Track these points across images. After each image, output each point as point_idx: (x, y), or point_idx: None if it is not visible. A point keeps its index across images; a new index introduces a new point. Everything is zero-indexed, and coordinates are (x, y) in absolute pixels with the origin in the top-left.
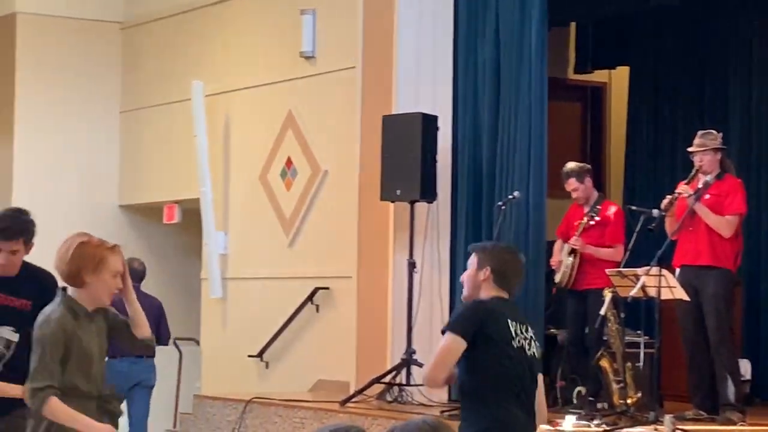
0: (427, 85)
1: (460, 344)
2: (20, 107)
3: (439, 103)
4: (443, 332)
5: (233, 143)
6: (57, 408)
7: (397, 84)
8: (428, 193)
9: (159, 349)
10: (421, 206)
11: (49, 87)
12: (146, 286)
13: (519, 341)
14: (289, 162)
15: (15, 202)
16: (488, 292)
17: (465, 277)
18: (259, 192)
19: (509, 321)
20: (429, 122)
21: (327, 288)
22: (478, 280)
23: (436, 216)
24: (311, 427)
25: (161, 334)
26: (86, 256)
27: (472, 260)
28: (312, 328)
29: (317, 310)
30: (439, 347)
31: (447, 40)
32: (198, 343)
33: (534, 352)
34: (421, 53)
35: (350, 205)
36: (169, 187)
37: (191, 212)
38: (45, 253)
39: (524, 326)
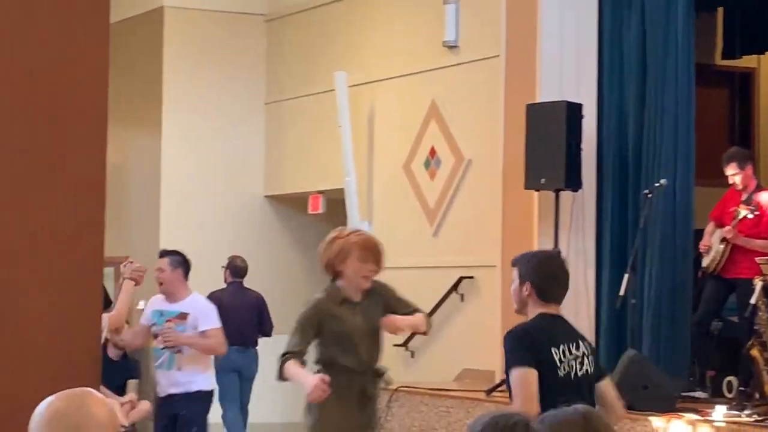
0: (571, 73)
1: (532, 373)
2: (167, 99)
3: (584, 91)
4: (507, 371)
5: (377, 133)
6: (287, 369)
7: (540, 72)
8: (573, 182)
9: None
10: (566, 195)
11: (195, 80)
12: (291, 276)
13: (565, 367)
14: (432, 151)
15: (163, 195)
16: (534, 308)
17: (511, 292)
18: (402, 181)
19: (552, 348)
20: (573, 110)
21: (471, 277)
22: (523, 296)
23: (581, 205)
24: (457, 416)
25: (264, 326)
26: (334, 249)
27: (514, 274)
28: (457, 317)
29: (462, 299)
30: (516, 385)
31: (591, 27)
32: None
33: (587, 370)
34: (565, 40)
35: (494, 194)
36: (313, 177)
37: (335, 202)
38: (193, 242)
39: (574, 343)
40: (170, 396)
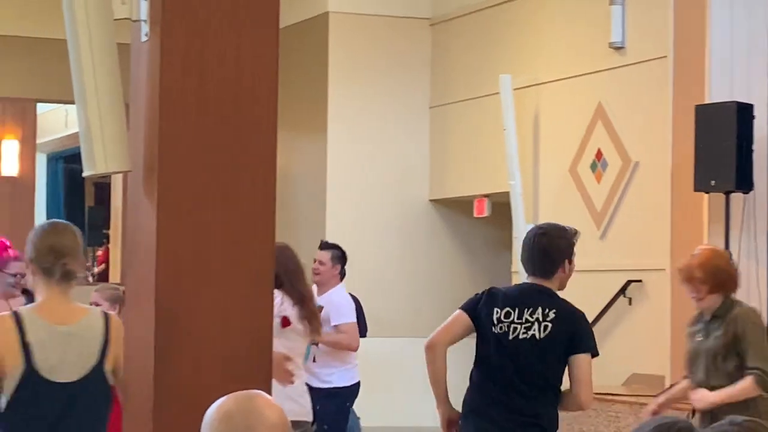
0: (741, 74)
1: (462, 315)
2: (332, 104)
3: (755, 92)
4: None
5: (542, 136)
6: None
7: (709, 72)
8: (744, 184)
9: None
10: (736, 197)
11: (360, 84)
12: (455, 280)
13: (503, 327)
14: (599, 154)
15: (329, 198)
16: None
17: None
18: (569, 184)
19: (495, 308)
20: (744, 111)
21: (639, 281)
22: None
23: (753, 207)
24: (626, 421)
25: (361, 327)
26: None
27: None
28: (625, 321)
29: (630, 302)
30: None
31: (762, 25)
32: None
33: (533, 335)
34: (735, 39)
35: (662, 196)
36: (478, 180)
37: (501, 205)
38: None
39: (529, 309)
40: (309, 388)
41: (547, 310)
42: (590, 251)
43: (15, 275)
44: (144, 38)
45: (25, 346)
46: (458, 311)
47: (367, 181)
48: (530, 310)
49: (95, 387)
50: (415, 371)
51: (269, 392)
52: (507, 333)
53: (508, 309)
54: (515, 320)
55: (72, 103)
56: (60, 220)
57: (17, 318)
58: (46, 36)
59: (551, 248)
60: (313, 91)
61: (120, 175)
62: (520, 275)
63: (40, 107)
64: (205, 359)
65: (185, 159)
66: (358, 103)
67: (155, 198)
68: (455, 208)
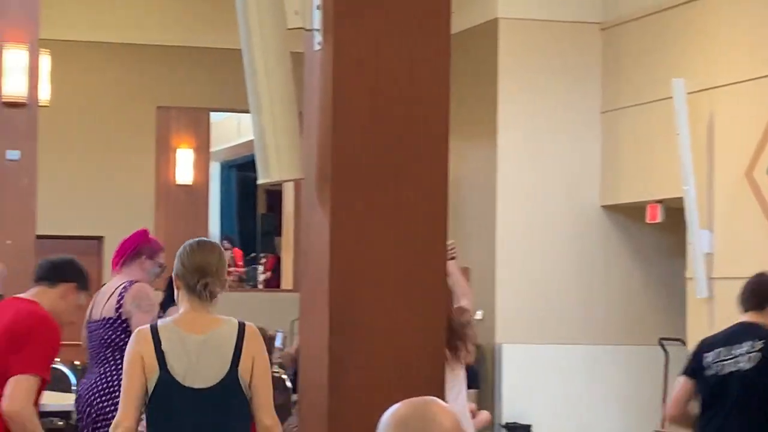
0: None
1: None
2: (502, 111)
3: None
4: None
5: (717, 140)
6: None
7: None
8: None
9: (645, 350)
10: None
11: (530, 90)
12: (628, 286)
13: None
14: None
15: (499, 205)
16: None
17: None
18: (744, 189)
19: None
20: None
21: None
22: None
23: None
24: None
25: None
26: None
27: None
28: None
29: None
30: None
31: None
32: (684, 343)
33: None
34: None
35: None
36: (651, 186)
37: (674, 211)
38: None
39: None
40: None
41: (755, 342)
42: (767, 257)
43: (161, 266)
44: (317, 47)
45: (160, 354)
46: (679, 378)
47: (537, 187)
48: (739, 346)
49: (228, 393)
50: (588, 378)
51: (443, 398)
52: (717, 372)
53: (718, 350)
54: (724, 358)
55: (245, 111)
56: (208, 239)
57: (153, 329)
58: (220, 46)
59: (762, 285)
60: (483, 98)
61: (292, 182)
62: (696, 281)
63: (214, 116)
64: (378, 365)
65: (358, 166)
66: (529, 108)
67: (328, 206)
68: (627, 213)
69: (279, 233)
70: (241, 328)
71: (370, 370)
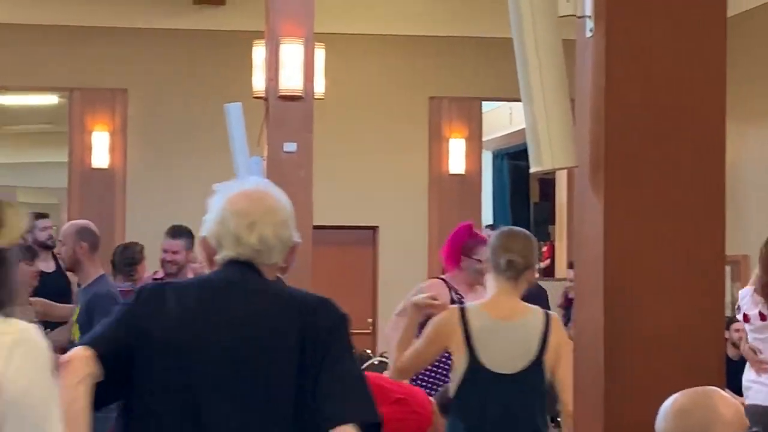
0: None
1: None
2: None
3: None
4: None
5: None
6: None
7: None
8: None
9: None
10: None
11: None
12: None
13: None
14: None
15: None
16: None
17: None
18: None
19: None
20: None
21: None
22: None
23: None
24: None
25: None
26: None
27: None
28: None
29: None
30: None
31: None
32: None
33: None
34: None
35: None
36: None
37: None
38: None
39: None
40: None
41: None
42: None
43: (480, 261)
44: (589, 34)
45: (468, 338)
46: None
47: None
48: None
49: (533, 380)
50: None
51: (722, 388)
52: None
53: None
54: None
55: (516, 100)
56: (518, 228)
57: (462, 311)
58: (491, 35)
59: None
60: (762, 80)
61: (564, 171)
62: None
63: (486, 105)
64: (656, 355)
65: (632, 154)
66: None
67: (602, 194)
68: None
69: (552, 222)
70: (547, 318)
71: (647, 359)
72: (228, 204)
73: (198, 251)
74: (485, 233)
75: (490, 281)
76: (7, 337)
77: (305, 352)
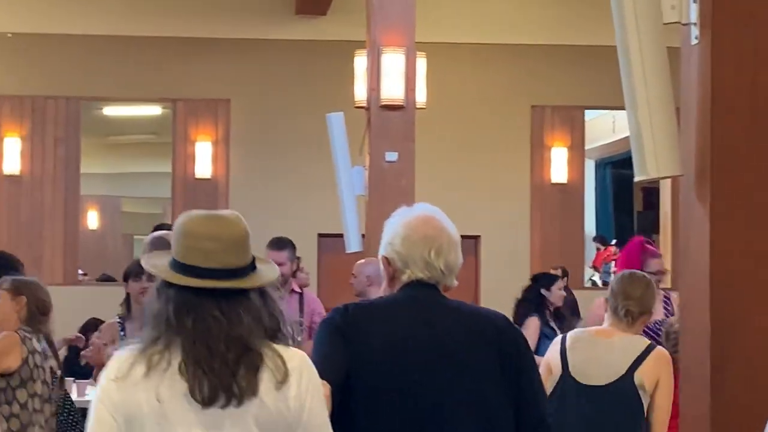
0: None
1: None
2: None
3: None
4: None
5: None
6: None
7: None
8: None
9: None
10: None
11: None
12: None
13: None
14: None
15: None
16: None
17: None
18: None
19: None
20: None
21: None
22: None
23: None
24: None
25: None
26: None
27: None
28: None
29: None
30: None
31: None
32: None
33: None
34: None
35: None
36: None
37: None
38: None
39: None
40: None
41: None
42: None
43: (654, 273)
44: (694, 41)
45: (563, 352)
46: None
47: None
48: None
49: (622, 395)
50: None
51: None
52: None
53: None
54: None
55: (619, 108)
56: (636, 272)
57: (563, 337)
58: (593, 43)
59: None
60: None
61: (669, 179)
62: None
63: (588, 114)
64: (763, 367)
65: (738, 162)
66: None
67: (708, 203)
68: None
69: (656, 231)
70: (651, 346)
71: (754, 373)
72: (411, 230)
73: (360, 269)
74: (595, 245)
75: (607, 319)
76: (294, 361)
77: (504, 368)
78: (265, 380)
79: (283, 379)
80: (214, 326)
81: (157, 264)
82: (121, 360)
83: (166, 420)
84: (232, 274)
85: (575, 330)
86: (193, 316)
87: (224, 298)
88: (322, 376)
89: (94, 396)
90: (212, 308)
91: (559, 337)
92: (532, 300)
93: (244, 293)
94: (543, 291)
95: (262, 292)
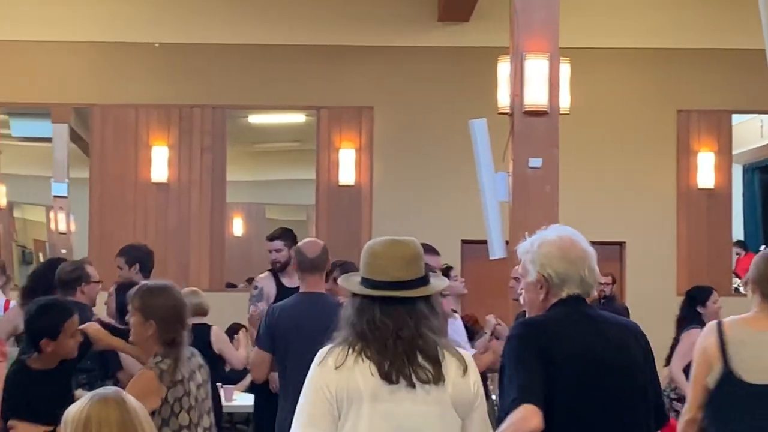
0: None
1: None
2: None
3: None
4: None
5: None
6: None
7: None
8: None
9: None
10: None
11: None
12: None
13: None
14: None
15: None
16: None
17: None
18: None
19: None
20: None
21: None
22: None
23: None
24: None
25: None
26: None
27: None
28: None
29: None
30: None
31: None
32: None
33: None
34: None
35: None
36: None
37: None
38: None
39: None
40: None
41: None
42: None
43: None
44: None
45: (723, 348)
46: None
47: None
48: None
49: None
50: None
51: None
52: None
53: None
54: None
55: (767, 112)
56: None
57: (719, 324)
58: (741, 47)
59: None
60: None
61: None
62: None
63: (735, 118)
64: None
65: None
66: None
67: None
68: None
69: None
70: None
71: None
72: (566, 251)
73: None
74: (735, 251)
75: (756, 301)
76: (468, 358)
77: (646, 372)
78: (454, 368)
79: (465, 369)
80: (382, 327)
81: (351, 279)
82: (334, 353)
83: (375, 398)
84: (401, 285)
85: (732, 318)
86: (366, 318)
87: (398, 304)
88: (527, 394)
89: (311, 382)
90: (380, 312)
91: (713, 325)
92: (692, 319)
93: (411, 301)
94: (699, 308)
95: (427, 300)
